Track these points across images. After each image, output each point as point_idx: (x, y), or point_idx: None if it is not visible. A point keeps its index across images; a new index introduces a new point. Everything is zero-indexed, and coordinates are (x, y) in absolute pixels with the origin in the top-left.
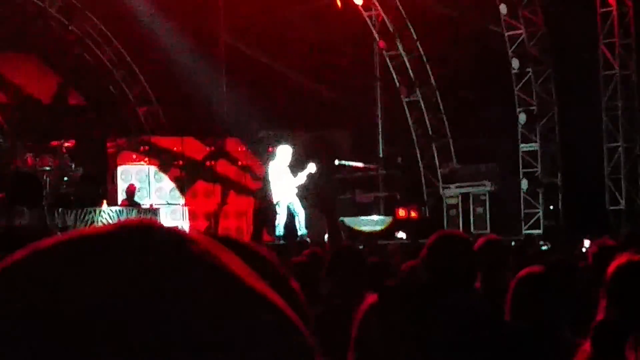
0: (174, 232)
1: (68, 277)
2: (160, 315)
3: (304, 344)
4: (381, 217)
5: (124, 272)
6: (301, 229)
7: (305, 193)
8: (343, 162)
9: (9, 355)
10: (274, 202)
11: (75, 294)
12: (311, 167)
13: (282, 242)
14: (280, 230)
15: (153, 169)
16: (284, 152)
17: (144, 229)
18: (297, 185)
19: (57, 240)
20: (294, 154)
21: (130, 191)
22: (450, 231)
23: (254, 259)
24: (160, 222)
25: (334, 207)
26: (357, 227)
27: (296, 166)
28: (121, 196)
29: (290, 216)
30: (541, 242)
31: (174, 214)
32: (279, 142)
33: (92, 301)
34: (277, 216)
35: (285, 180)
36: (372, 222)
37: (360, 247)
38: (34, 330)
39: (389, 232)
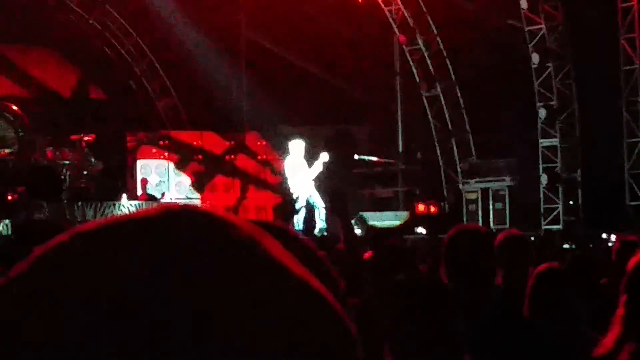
0: (217, 216)
1: (114, 259)
2: (204, 299)
3: (347, 332)
4: (399, 212)
5: (169, 255)
6: (321, 222)
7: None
8: (362, 156)
9: (55, 336)
10: (294, 197)
11: (121, 276)
12: (324, 157)
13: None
14: (300, 224)
15: (172, 163)
16: (297, 147)
17: (188, 213)
18: (314, 177)
19: (101, 224)
20: (307, 148)
21: (143, 184)
22: (469, 225)
23: (295, 246)
24: (204, 208)
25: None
26: (374, 222)
27: (314, 159)
28: (138, 189)
29: (310, 210)
30: (563, 242)
31: None
32: (297, 137)
33: (137, 283)
34: (295, 210)
35: (301, 174)
36: (390, 217)
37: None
38: (83, 309)
39: (407, 227)
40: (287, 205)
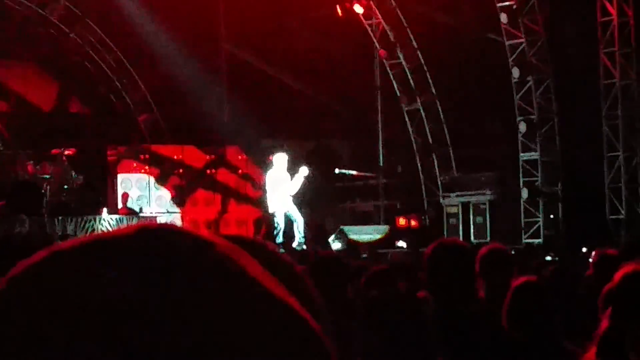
0: (193, 235)
1: (88, 279)
2: (179, 319)
3: (322, 350)
4: (379, 226)
5: (144, 275)
6: (300, 235)
7: (301, 201)
8: (342, 170)
9: (37, 355)
10: (271, 212)
11: (95, 296)
12: (303, 171)
13: (281, 250)
14: (280, 238)
15: (153, 177)
16: (280, 160)
17: (164, 232)
18: (294, 191)
19: (77, 243)
20: (289, 161)
21: (124, 199)
22: (449, 239)
23: (273, 262)
24: (180, 226)
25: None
26: (355, 236)
27: (294, 173)
28: (120, 204)
29: (289, 224)
30: (546, 254)
31: (175, 223)
32: (278, 151)
33: (111, 303)
34: (276, 225)
35: (282, 188)
36: (370, 231)
37: (363, 255)
38: (56, 330)
39: (388, 241)
40: (266, 219)
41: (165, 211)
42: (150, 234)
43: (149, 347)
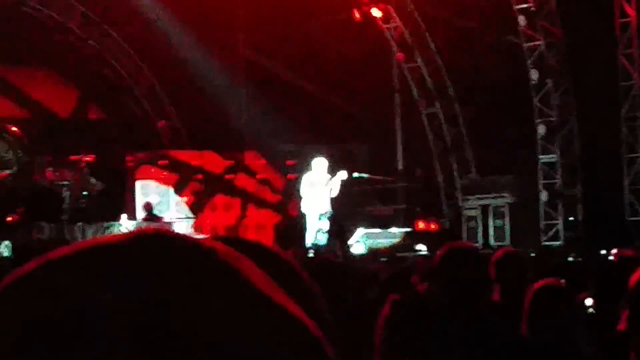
0: (191, 241)
1: (82, 287)
2: (176, 326)
3: (323, 356)
4: (397, 230)
5: (140, 282)
6: (324, 238)
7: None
8: (360, 174)
9: None
10: (303, 215)
11: (89, 304)
12: (342, 175)
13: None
14: (308, 242)
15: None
16: (320, 164)
17: (160, 238)
18: (332, 195)
19: (72, 249)
20: (330, 167)
21: (148, 207)
22: (460, 243)
23: (273, 263)
24: (177, 232)
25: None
26: (373, 240)
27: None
28: (140, 212)
29: (316, 227)
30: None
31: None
32: (320, 155)
33: (105, 310)
34: (305, 229)
35: (318, 192)
36: (388, 235)
37: (383, 259)
38: (47, 339)
39: (407, 244)
40: (290, 224)
41: (185, 217)
42: (147, 239)
43: (146, 352)
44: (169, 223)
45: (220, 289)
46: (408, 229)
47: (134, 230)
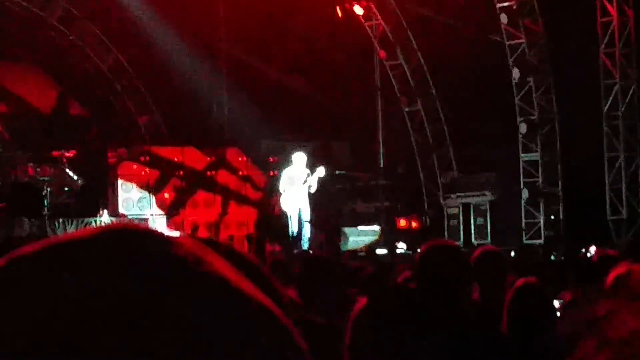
0: (159, 235)
1: (49, 283)
2: (144, 318)
3: (293, 343)
4: (378, 228)
5: (108, 276)
6: (304, 239)
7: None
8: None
9: None
10: (284, 211)
11: (57, 300)
12: (320, 171)
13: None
14: (294, 232)
15: (153, 179)
16: (299, 159)
17: (128, 233)
18: (310, 191)
19: (40, 246)
20: (308, 161)
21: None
22: (440, 241)
23: (238, 261)
24: (145, 226)
25: (330, 217)
26: (353, 238)
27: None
28: (122, 207)
29: (299, 224)
30: (549, 253)
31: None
32: (299, 150)
33: (75, 306)
34: (289, 225)
35: (297, 187)
36: (369, 233)
37: (361, 254)
38: (15, 335)
39: (385, 241)
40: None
41: (166, 213)
42: (114, 234)
43: (110, 348)
44: (145, 219)
45: (188, 280)
46: (380, 227)
47: (102, 226)
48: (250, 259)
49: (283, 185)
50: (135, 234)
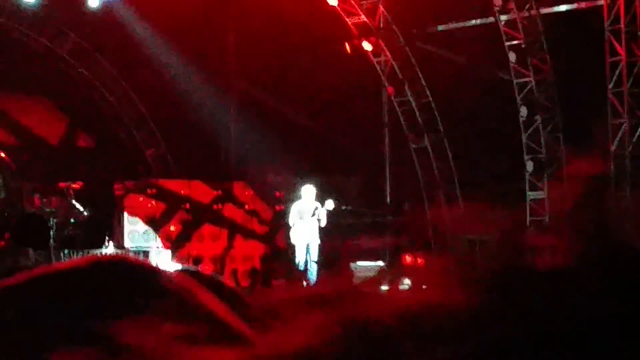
0: (143, 265)
1: (35, 312)
2: (131, 344)
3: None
4: (383, 264)
5: (94, 304)
6: (310, 272)
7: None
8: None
9: None
10: (292, 245)
11: (47, 328)
12: (329, 205)
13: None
14: (301, 266)
15: (159, 212)
16: (308, 192)
17: (114, 264)
18: (321, 225)
19: (27, 276)
20: (317, 195)
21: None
22: None
23: (223, 293)
24: (132, 257)
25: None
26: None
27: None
28: (127, 239)
29: (306, 258)
30: None
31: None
32: (308, 183)
33: (58, 333)
34: (296, 259)
35: (307, 221)
36: (375, 269)
37: None
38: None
39: (392, 279)
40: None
41: (171, 246)
42: (101, 265)
43: None
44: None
45: (170, 307)
46: (382, 263)
47: (91, 257)
48: (234, 291)
49: (293, 218)
50: (121, 264)
